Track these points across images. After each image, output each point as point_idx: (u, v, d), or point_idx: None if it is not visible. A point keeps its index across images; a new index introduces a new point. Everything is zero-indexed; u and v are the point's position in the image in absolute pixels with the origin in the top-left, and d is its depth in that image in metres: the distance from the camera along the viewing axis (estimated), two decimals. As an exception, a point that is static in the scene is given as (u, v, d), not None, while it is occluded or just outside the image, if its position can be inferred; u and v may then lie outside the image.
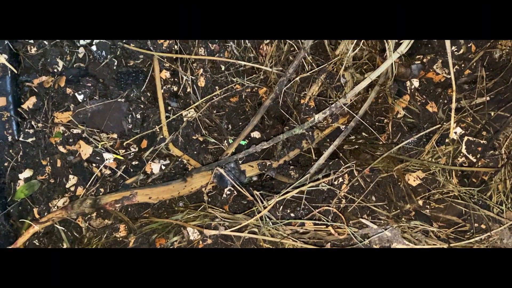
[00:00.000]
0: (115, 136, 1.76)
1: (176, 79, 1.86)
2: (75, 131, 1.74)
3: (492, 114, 1.52)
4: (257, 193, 1.50)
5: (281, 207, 1.55)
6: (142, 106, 1.80)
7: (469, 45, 1.65)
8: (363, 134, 1.80)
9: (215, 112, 1.88)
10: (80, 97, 1.75)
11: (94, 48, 1.80)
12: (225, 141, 1.86)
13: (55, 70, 1.78)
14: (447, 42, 1.58)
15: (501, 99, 1.54)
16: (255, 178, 1.82)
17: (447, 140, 1.58)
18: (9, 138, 1.76)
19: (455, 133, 1.57)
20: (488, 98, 1.55)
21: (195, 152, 1.81)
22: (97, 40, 1.80)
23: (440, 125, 1.57)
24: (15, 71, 1.72)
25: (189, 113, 1.82)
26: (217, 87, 1.86)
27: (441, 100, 1.65)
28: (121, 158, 1.71)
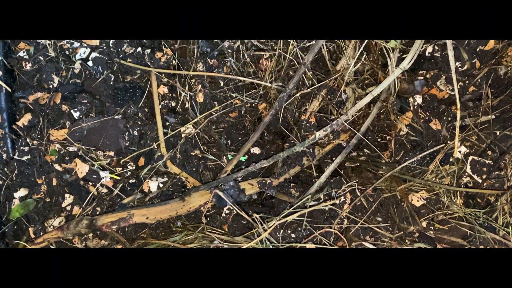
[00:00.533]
0: (111, 153, 1.73)
1: (174, 95, 1.83)
2: (71, 148, 1.70)
3: (498, 133, 1.49)
4: (257, 216, 1.46)
5: (282, 229, 1.52)
6: (139, 122, 1.76)
7: (473, 61, 1.61)
8: (365, 150, 1.76)
9: (214, 127, 1.85)
10: (76, 114, 1.71)
11: (90, 63, 1.76)
12: (224, 157, 1.82)
13: (51, 86, 1.75)
14: (451, 58, 1.54)
15: (506, 118, 1.50)
16: (255, 196, 1.78)
17: (451, 159, 1.55)
18: (4, 156, 1.72)
19: (460, 152, 1.54)
20: (493, 117, 1.51)
21: (194, 169, 1.77)
22: (94, 55, 1.76)
23: (444, 145, 1.53)
24: (9, 89, 1.68)
25: (188, 129, 1.78)
26: (216, 103, 1.83)
27: (445, 117, 1.61)
28: (118, 178, 1.68)
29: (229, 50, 1.78)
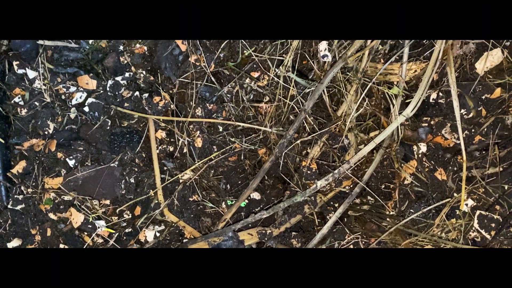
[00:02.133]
0: (107, 202, 1.68)
1: (172, 139, 1.79)
2: (66, 197, 1.66)
3: (506, 187, 1.43)
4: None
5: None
6: (136, 169, 1.72)
7: (479, 109, 1.57)
8: (369, 198, 1.71)
9: (212, 172, 1.80)
10: (71, 162, 1.67)
11: (86, 109, 1.73)
12: (223, 202, 1.78)
13: (46, 133, 1.71)
14: (456, 108, 1.50)
15: (515, 171, 1.45)
16: (254, 246, 1.73)
17: (457, 213, 1.49)
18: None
19: (466, 205, 1.48)
20: (501, 169, 1.46)
21: (192, 215, 1.73)
22: (90, 100, 1.73)
23: (450, 199, 1.48)
24: (2, 141, 1.65)
25: (186, 175, 1.74)
26: (215, 147, 1.78)
27: (450, 167, 1.56)
28: (113, 231, 1.63)
29: (228, 95, 1.75)
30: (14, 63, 1.72)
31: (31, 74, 1.72)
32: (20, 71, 1.72)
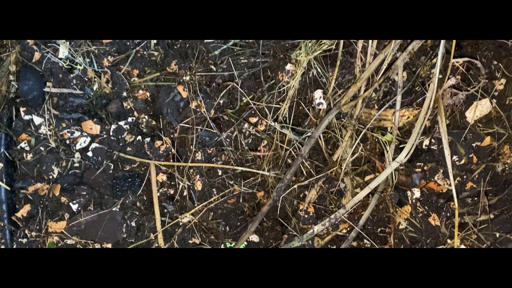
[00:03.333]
0: (109, 246, 1.72)
1: (172, 182, 1.84)
2: (69, 241, 1.70)
3: (497, 235, 1.47)
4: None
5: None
6: (137, 213, 1.77)
7: (470, 156, 1.62)
8: (365, 241, 1.74)
9: (212, 214, 1.84)
10: (74, 207, 1.72)
11: (90, 153, 1.79)
12: (222, 244, 1.81)
13: (50, 177, 1.76)
14: (447, 156, 1.55)
15: (506, 218, 1.49)
16: (253, 289, 1.75)
17: (451, 259, 1.52)
18: (2, 247, 1.72)
19: (460, 252, 1.52)
20: (492, 216, 1.50)
21: (192, 257, 1.76)
22: (94, 146, 1.78)
23: (443, 245, 1.51)
24: (8, 188, 1.70)
25: (185, 218, 1.78)
26: (214, 190, 1.83)
27: (443, 213, 1.60)
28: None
29: (227, 140, 1.80)
30: (21, 109, 1.78)
31: (37, 120, 1.78)
32: (27, 117, 1.78)
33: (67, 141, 1.80)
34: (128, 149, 1.81)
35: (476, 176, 1.58)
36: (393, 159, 1.66)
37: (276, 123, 1.72)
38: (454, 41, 1.59)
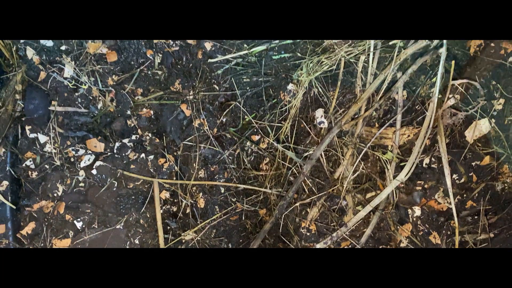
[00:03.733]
0: (113, 263, 1.74)
1: (175, 200, 1.86)
2: (72, 259, 1.71)
3: (498, 254, 1.48)
4: None
5: None
6: (140, 230, 1.78)
7: (470, 175, 1.64)
8: (366, 258, 1.75)
9: (214, 231, 1.86)
10: (79, 225, 1.74)
11: (94, 171, 1.81)
12: (225, 261, 1.82)
13: (55, 195, 1.78)
14: (447, 176, 1.57)
15: (506, 237, 1.50)
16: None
17: (452, 278, 1.53)
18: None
19: (461, 271, 1.53)
20: (492, 235, 1.52)
21: (194, 274, 1.77)
22: (98, 164, 1.81)
23: (444, 264, 1.53)
24: (13, 207, 1.73)
25: (188, 235, 1.80)
26: (216, 207, 1.85)
27: (444, 231, 1.61)
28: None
29: (230, 157, 1.83)
30: (27, 127, 1.81)
31: (43, 138, 1.80)
32: (32, 136, 1.81)
33: (72, 159, 1.83)
34: (132, 166, 1.83)
35: (476, 195, 1.60)
36: (394, 177, 1.68)
37: (278, 144, 1.75)
38: (453, 61, 1.62)
